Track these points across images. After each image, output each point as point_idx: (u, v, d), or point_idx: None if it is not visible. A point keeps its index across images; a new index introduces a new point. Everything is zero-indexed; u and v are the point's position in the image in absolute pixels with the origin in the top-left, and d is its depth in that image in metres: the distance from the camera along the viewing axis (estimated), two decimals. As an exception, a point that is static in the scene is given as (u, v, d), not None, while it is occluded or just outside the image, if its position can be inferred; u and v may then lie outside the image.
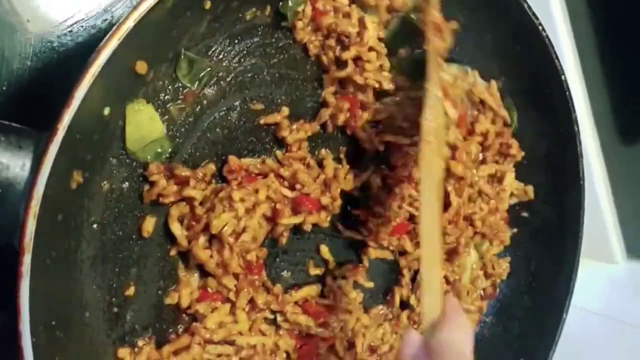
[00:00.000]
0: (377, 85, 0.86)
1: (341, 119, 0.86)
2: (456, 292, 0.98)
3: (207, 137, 0.79)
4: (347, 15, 0.83)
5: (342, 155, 0.89)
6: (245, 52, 0.81)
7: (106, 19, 0.82)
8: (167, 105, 0.75)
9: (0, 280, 0.61)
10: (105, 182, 0.72)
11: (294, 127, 0.85)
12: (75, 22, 0.81)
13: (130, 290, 0.76)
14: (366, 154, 0.91)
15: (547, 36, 0.94)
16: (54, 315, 0.66)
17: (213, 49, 0.78)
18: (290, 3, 0.81)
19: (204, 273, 0.80)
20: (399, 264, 0.97)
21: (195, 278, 0.80)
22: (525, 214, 1.06)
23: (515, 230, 1.04)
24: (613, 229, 1.27)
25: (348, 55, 0.83)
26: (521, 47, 0.96)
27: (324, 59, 0.85)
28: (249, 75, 0.82)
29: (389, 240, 0.92)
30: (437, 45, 0.82)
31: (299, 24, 0.82)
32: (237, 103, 0.81)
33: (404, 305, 0.98)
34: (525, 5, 0.91)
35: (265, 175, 0.82)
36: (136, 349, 0.77)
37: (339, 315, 0.91)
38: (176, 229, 0.77)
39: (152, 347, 0.78)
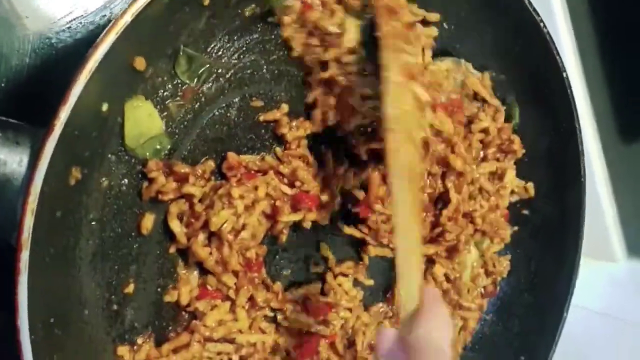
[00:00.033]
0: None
1: (331, 118, 0.85)
2: (456, 290, 0.98)
3: (206, 134, 0.79)
4: (332, 14, 0.82)
5: (341, 153, 0.89)
6: (244, 48, 0.80)
7: (105, 16, 0.81)
8: (166, 102, 0.75)
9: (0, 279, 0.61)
10: (104, 179, 0.71)
11: (294, 124, 0.84)
12: (74, 19, 0.80)
13: (130, 288, 0.75)
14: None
15: (548, 32, 0.93)
16: (53, 313, 0.66)
17: (212, 46, 0.78)
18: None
19: (204, 271, 0.80)
20: (399, 261, 0.96)
21: (194, 276, 0.80)
22: (525, 212, 1.05)
23: (515, 228, 1.04)
24: (614, 227, 1.27)
25: (329, 55, 0.82)
26: (522, 44, 0.96)
27: (308, 59, 0.84)
28: (249, 71, 0.81)
29: (389, 237, 0.92)
30: (391, 29, 0.77)
31: (287, 20, 0.80)
32: (236, 100, 0.81)
33: (404, 303, 0.97)
34: (526, 1, 0.91)
35: (264, 173, 0.82)
36: (135, 347, 0.76)
37: (339, 313, 0.90)
38: (175, 226, 0.76)
39: (151, 345, 0.77)
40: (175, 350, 0.78)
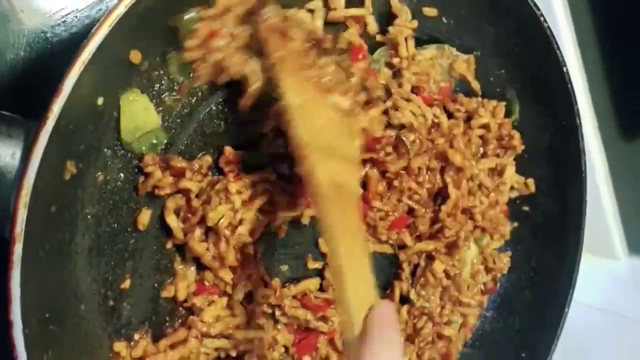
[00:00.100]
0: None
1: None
2: (456, 286, 0.97)
3: (203, 129, 0.78)
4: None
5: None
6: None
7: (100, 9, 0.81)
8: (162, 96, 0.74)
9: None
10: (99, 174, 0.71)
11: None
12: (69, 13, 0.80)
13: (126, 284, 0.75)
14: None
15: (548, 27, 0.93)
16: (48, 308, 0.65)
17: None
18: (186, 16, 0.72)
19: (201, 266, 0.79)
20: (398, 258, 0.96)
21: (191, 271, 0.80)
22: (526, 208, 1.05)
23: (516, 224, 1.04)
24: (615, 224, 1.26)
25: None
26: (522, 39, 0.95)
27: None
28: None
29: (388, 234, 0.92)
30: (285, 52, 0.71)
31: (190, 43, 0.72)
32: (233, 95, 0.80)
33: (404, 299, 0.97)
34: (527, -3, 0.91)
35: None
36: (132, 343, 0.76)
37: (338, 309, 0.90)
38: (172, 221, 0.76)
39: (148, 341, 0.77)
40: (172, 346, 0.78)
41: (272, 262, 0.86)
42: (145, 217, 0.75)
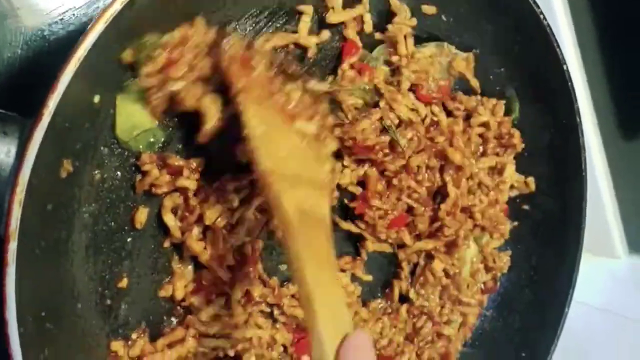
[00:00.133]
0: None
1: None
2: (456, 286, 0.97)
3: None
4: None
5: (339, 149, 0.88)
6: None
7: (97, 7, 0.80)
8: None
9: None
10: (96, 172, 0.70)
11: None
12: (67, 11, 0.79)
13: (123, 282, 0.75)
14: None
15: (548, 25, 0.92)
16: (44, 306, 0.65)
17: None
18: (148, 41, 0.69)
19: (199, 265, 0.79)
20: (397, 257, 0.96)
21: (189, 270, 0.79)
22: (526, 207, 1.04)
23: (515, 223, 1.03)
24: (615, 223, 1.26)
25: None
26: (522, 37, 0.95)
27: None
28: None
29: (387, 233, 0.91)
30: (248, 83, 0.70)
31: (146, 70, 0.69)
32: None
33: (403, 298, 0.97)
34: (526, -6, 0.90)
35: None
36: (130, 342, 0.76)
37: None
38: (169, 220, 0.76)
39: (146, 340, 0.77)
40: (170, 345, 0.77)
41: (271, 261, 0.86)
42: (142, 215, 0.74)
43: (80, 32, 0.70)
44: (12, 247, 0.57)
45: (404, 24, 0.88)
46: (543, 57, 0.95)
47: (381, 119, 0.85)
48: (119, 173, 0.73)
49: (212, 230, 0.77)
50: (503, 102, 0.96)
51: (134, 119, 0.71)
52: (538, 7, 0.91)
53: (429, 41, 0.92)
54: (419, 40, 0.91)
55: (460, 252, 0.96)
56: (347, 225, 0.90)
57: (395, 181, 0.89)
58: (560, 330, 1.01)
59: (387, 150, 0.86)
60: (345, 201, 0.89)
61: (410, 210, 0.92)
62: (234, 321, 0.80)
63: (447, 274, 0.97)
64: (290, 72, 0.75)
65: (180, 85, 0.70)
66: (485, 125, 0.95)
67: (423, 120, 0.90)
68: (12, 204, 0.56)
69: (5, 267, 0.57)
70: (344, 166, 0.87)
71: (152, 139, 0.74)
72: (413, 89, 0.90)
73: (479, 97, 0.95)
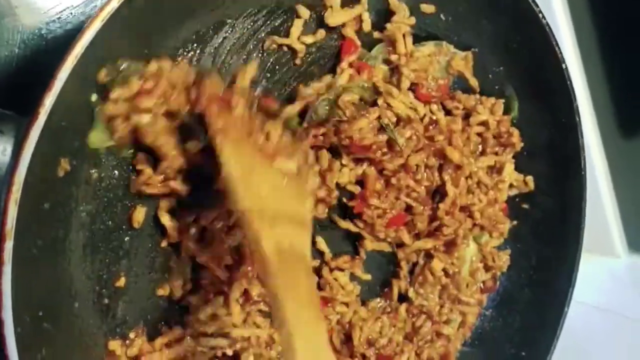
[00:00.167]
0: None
1: None
2: (455, 285, 0.97)
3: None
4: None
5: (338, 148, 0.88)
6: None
7: (95, 6, 0.80)
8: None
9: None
10: (93, 171, 0.70)
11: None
12: (64, 9, 0.79)
13: (121, 282, 0.74)
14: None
15: (547, 24, 0.92)
16: (42, 306, 0.65)
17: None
18: (127, 68, 0.68)
19: (197, 264, 0.79)
20: (396, 256, 0.95)
21: (187, 269, 0.79)
22: (525, 206, 1.04)
23: (515, 222, 1.03)
24: (614, 223, 1.26)
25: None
26: (521, 35, 0.95)
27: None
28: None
29: (385, 232, 0.91)
30: (227, 123, 0.69)
31: (115, 94, 0.67)
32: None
33: (403, 298, 0.97)
34: (525, -8, 0.90)
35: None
36: (127, 341, 0.76)
37: (335, 308, 0.90)
38: (166, 220, 0.75)
39: (143, 339, 0.77)
40: (168, 345, 0.77)
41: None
42: (140, 214, 0.74)
43: (78, 30, 0.70)
44: (9, 246, 0.57)
45: (402, 22, 0.88)
46: (542, 55, 0.95)
47: (379, 117, 0.85)
48: (116, 172, 0.72)
49: (210, 231, 0.77)
50: (502, 101, 0.96)
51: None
52: (537, 5, 0.91)
53: (428, 40, 0.92)
54: (418, 39, 0.91)
55: (459, 251, 0.96)
56: (345, 224, 0.90)
57: (393, 180, 0.89)
58: (560, 330, 1.01)
59: (385, 149, 0.86)
60: (344, 200, 0.89)
61: (409, 209, 0.92)
62: (232, 320, 0.80)
63: (446, 273, 0.97)
64: (270, 110, 0.75)
65: (146, 119, 0.68)
66: (484, 124, 0.94)
67: (422, 119, 0.89)
68: (8, 203, 0.56)
69: (2, 266, 0.56)
70: (342, 165, 0.87)
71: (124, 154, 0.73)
72: (412, 88, 0.90)
73: (477, 96, 0.95)
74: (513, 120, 0.97)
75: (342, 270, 0.91)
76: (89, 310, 0.72)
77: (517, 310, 1.06)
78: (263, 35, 0.81)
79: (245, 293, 0.81)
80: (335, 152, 0.87)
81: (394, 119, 0.86)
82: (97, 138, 0.68)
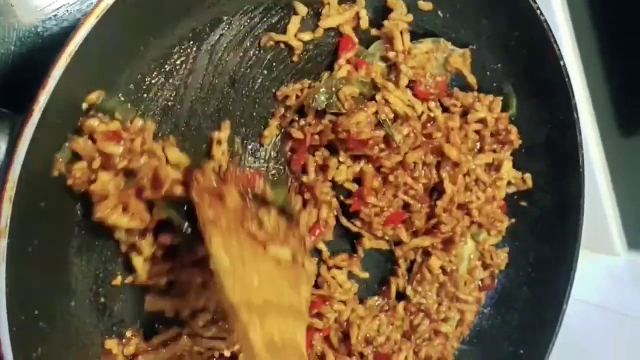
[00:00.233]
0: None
1: None
2: (453, 283, 0.96)
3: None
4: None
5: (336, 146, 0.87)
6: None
7: (92, 3, 0.79)
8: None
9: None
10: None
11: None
12: (60, 7, 0.79)
13: (118, 281, 0.74)
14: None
15: (545, 21, 0.92)
16: (37, 305, 0.65)
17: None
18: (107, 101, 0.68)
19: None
20: (394, 254, 0.95)
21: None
22: (524, 204, 1.04)
23: (513, 220, 1.02)
24: (613, 220, 1.26)
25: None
26: (519, 33, 0.94)
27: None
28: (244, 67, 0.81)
29: (383, 230, 0.91)
30: (218, 212, 0.67)
31: (90, 124, 0.66)
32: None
33: (401, 296, 0.96)
34: (524, -11, 0.90)
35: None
36: (124, 340, 0.76)
37: (333, 306, 0.89)
38: (138, 262, 0.74)
39: (140, 339, 0.76)
40: (164, 344, 0.77)
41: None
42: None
43: (74, 28, 0.70)
44: (3, 244, 0.57)
45: (400, 20, 0.87)
46: (541, 53, 0.95)
47: (377, 113, 0.84)
48: (113, 171, 0.72)
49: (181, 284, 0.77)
50: (500, 98, 0.96)
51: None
52: (535, 2, 0.91)
53: (426, 37, 0.92)
54: (416, 36, 0.90)
55: (457, 249, 0.96)
56: (344, 223, 0.90)
57: (391, 178, 0.88)
58: (559, 328, 1.01)
59: (382, 146, 0.86)
60: (342, 198, 0.89)
61: (407, 207, 0.92)
62: (230, 326, 0.79)
63: (444, 271, 0.96)
64: (264, 198, 0.73)
65: (106, 178, 0.67)
66: (482, 121, 0.94)
67: (420, 117, 0.89)
68: (2, 201, 0.55)
69: (-4, 265, 0.56)
70: (340, 163, 0.87)
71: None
72: (411, 85, 0.89)
73: (476, 93, 0.95)
74: (511, 117, 0.97)
75: (340, 268, 0.91)
76: (85, 309, 0.72)
77: (516, 309, 1.06)
78: (260, 32, 0.81)
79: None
80: (333, 149, 0.87)
81: (392, 116, 0.86)
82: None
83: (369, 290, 0.96)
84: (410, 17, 0.88)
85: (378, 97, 0.85)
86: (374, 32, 0.89)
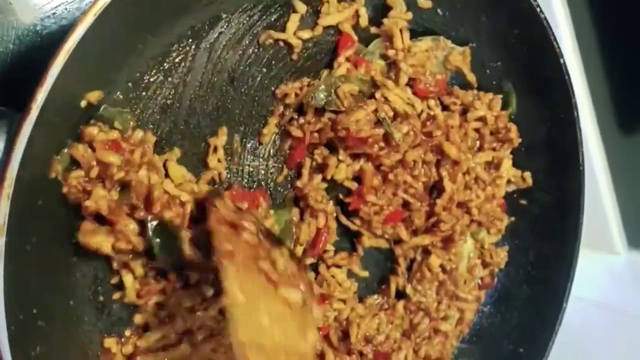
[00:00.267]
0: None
1: None
2: (453, 281, 0.96)
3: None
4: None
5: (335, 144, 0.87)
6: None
7: (90, 1, 0.79)
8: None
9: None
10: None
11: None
12: (59, 5, 0.79)
13: (117, 279, 0.74)
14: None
15: (545, 18, 0.91)
16: (36, 303, 0.65)
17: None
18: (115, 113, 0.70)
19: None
20: (394, 252, 0.95)
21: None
22: (523, 202, 1.03)
23: (513, 218, 1.02)
24: (614, 219, 1.26)
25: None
26: (519, 30, 0.94)
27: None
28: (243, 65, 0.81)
29: (383, 228, 0.91)
30: (235, 246, 0.67)
31: (90, 131, 0.67)
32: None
33: (400, 294, 0.96)
34: (523, -13, 0.89)
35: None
36: (123, 339, 0.75)
37: (332, 305, 0.89)
38: (128, 280, 0.74)
39: (139, 338, 0.76)
40: (164, 348, 0.77)
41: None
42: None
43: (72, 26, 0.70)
44: (1, 243, 0.57)
45: (399, 17, 0.87)
46: (540, 51, 0.94)
47: (376, 111, 0.84)
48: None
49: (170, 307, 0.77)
50: (500, 96, 0.95)
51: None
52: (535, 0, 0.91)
53: (425, 35, 0.92)
54: (415, 34, 0.90)
55: (457, 247, 0.95)
56: (343, 221, 0.90)
57: (391, 176, 0.88)
58: (559, 326, 1.00)
59: (382, 144, 0.85)
60: (341, 196, 0.89)
61: (406, 205, 0.92)
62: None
63: (444, 269, 0.96)
64: (276, 236, 0.74)
65: (101, 193, 0.67)
66: (482, 119, 0.94)
67: (419, 115, 0.89)
68: (-1, 199, 0.55)
69: (-6, 263, 0.56)
70: (339, 161, 0.86)
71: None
72: (410, 83, 0.89)
73: (475, 91, 0.95)
74: (511, 115, 0.97)
75: (339, 267, 0.91)
76: (84, 308, 0.72)
77: (515, 307, 1.06)
78: (259, 30, 0.81)
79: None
80: (332, 148, 0.87)
81: (391, 114, 0.86)
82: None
83: (368, 288, 0.96)
84: (410, 15, 0.88)
85: (377, 95, 0.85)
86: (373, 29, 0.88)
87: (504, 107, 0.96)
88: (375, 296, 0.96)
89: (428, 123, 0.90)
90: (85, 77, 0.64)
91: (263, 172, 0.84)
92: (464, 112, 0.94)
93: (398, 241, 0.94)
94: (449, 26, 0.93)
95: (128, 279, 0.73)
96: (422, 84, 0.89)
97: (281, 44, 0.83)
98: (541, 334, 1.01)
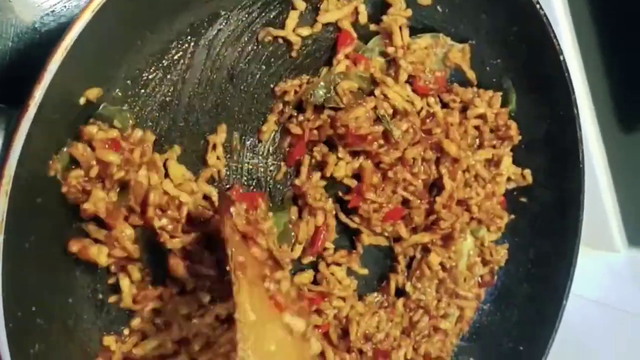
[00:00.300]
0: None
1: None
2: (453, 279, 0.96)
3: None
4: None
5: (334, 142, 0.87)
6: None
7: (89, -2, 0.79)
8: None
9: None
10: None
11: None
12: (58, 2, 0.79)
13: (113, 279, 0.74)
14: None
15: (545, 15, 0.91)
16: (34, 301, 0.65)
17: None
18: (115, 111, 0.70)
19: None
20: (393, 250, 0.95)
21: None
22: (523, 199, 1.03)
23: (513, 216, 1.02)
24: (614, 216, 1.25)
25: None
26: (519, 27, 0.94)
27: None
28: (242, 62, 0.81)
29: (382, 226, 0.90)
30: (245, 260, 0.66)
31: (89, 130, 0.68)
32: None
33: (400, 292, 0.96)
34: (522, -16, 0.89)
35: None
36: (122, 337, 0.75)
37: (332, 303, 0.89)
38: (125, 285, 0.74)
39: (138, 336, 0.76)
40: (162, 357, 0.76)
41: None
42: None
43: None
44: (-1, 240, 0.56)
45: (399, 14, 0.87)
46: (540, 48, 0.94)
47: (375, 108, 0.84)
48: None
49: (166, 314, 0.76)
50: (500, 93, 0.95)
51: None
52: (534, -4, 0.90)
53: (425, 32, 0.92)
54: (414, 31, 0.90)
55: (456, 245, 0.95)
56: (343, 219, 0.90)
57: (390, 174, 0.88)
58: (558, 324, 1.00)
59: (381, 141, 0.85)
60: (340, 194, 0.89)
61: (406, 203, 0.92)
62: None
63: (443, 267, 0.96)
64: (280, 259, 0.73)
65: (100, 195, 0.67)
66: (481, 117, 0.94)
67: (419, 112, 0.89)
68: (-3, 196, 0.55)
69: (-8, 260, 0.56)
70: (338, 158, 0.86)
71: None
72: (410, 80, 0.89)
73: (475, 88, 0.95)
74: (511, 113, 0.97)
75: (339, 264, 0.90)
76: (83, 306, 0.72)
77: (515, 305, 1.05)
78: (258, 27, 0.81)
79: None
80: (332, 145, 0.87)
81: (390, 111, 0.85)
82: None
83: (368, 286, 0.95)
84: (409, 12, 0.88)
85: (377, 92, 0.85)
86: (372, 27, 0.88)
87: (504, 104, 0.96)
88: (375, 294, 0.96)
89: (427, 120, 0.90)
90: (83, 74, 0.64)
91: (262, 169, 0.84)
92: (464, 109, 0.94)
93: (398, 239, 0.94)
94: (449, 23, 0.93)
95: (125, 282, 0.73)
96: (421, 81, 0.89)
97: (280, 41, 0.83)
98: (541, 332, 1.01)
